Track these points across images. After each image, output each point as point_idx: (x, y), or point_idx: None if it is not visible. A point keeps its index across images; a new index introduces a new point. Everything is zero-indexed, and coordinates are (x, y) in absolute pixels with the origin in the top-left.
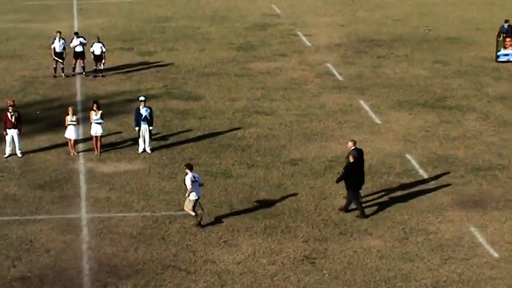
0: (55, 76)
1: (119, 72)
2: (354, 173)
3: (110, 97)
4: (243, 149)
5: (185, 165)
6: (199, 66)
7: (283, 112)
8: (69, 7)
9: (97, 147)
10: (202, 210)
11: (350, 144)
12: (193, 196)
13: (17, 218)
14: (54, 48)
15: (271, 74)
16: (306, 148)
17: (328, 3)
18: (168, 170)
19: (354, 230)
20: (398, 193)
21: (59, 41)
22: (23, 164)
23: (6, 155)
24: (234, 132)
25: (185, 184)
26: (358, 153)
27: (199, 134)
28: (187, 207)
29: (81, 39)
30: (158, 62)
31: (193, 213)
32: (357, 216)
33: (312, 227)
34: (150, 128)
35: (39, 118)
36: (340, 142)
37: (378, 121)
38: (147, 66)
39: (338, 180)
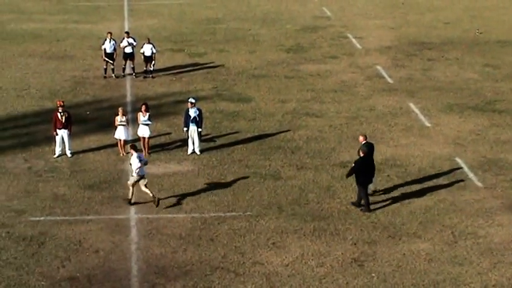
0: (105, 77)
1: (169, 74)
2: (363, 167)
3: (160, 98)
4: (292, 151)
5: (130, 146)
6: (249, 68)
7: (333, 114)
8: (120, 8)
9: (145, 148)
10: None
11: (361, 138)
12: (137, 173)
13: (67, 218)
14: (105, 49)
15: (321, 76)
16: (355, 150)
17: (379, 6)
18: (217, 172)
19: (402, 233)
20: (448, 196)
21: (110, 41)
22: (72, 165)
23: (56, 155)
24: (284, 134)
25: (131, 164)
26: (368, 148)
27: (248, 135)
28: (130, 181)
29: (132, 40)
30: (208, 63)
31: (131, 189)
32: (361, 210)
33: (361, 229)
34: (199, 129)
35: (89, 119)
36: (389, 145)
37: (427, 124)
38: (197, 67)
39: (348, 175)
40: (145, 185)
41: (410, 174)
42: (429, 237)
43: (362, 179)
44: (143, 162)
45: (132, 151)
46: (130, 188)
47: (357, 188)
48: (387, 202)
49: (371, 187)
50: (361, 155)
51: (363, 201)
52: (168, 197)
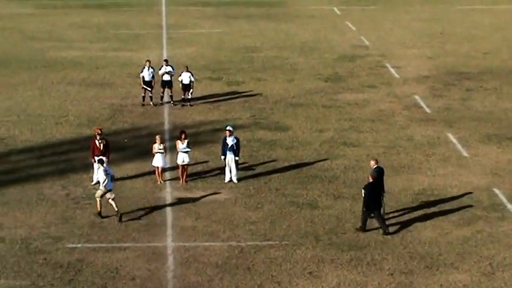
0: (143, 105)
1: (206, 102)
2: (373, 192)
3: (198, 126)
4: (329, 180)
5: (98, 160)
6: (287, 96)
7: (370, 144)
8: (159, 36)
9: (183, 176)
10: (117, 206)
11: (372, 163)
12: (104, 186)
13: (104, 245)
14: (143, 76)
15: (359, 105)
16: (392, 180)
17: (417, 36)
18: (254, 200)
19: (440, 263)
20: (486, 227)
21: (148, 69)
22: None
23: (93, 182)
24: (321, 163)
25: (98, 176)
26: (378, 173)
27: (286, 164)
28: (97, 194)
29: (170, 68)
30: (246, 92)
31: (98, 201)
32: (356, 229)
33: (398, 259)
34: (236, 158)
35: (127, 146)
36: (427, 175)
37: (465, 154)
38: (235, 96)
39: (364, 205)
40: (112, 199)
41: (448, 204)
42: (466, 268)
43: (370, 204)
44: (110, 177)
45: (100, 165)
46: (97, 200)
47: (362, 212)
48: (424, 232)
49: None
50: (370, 180)
51: (379, 227)
52: (205, 225)
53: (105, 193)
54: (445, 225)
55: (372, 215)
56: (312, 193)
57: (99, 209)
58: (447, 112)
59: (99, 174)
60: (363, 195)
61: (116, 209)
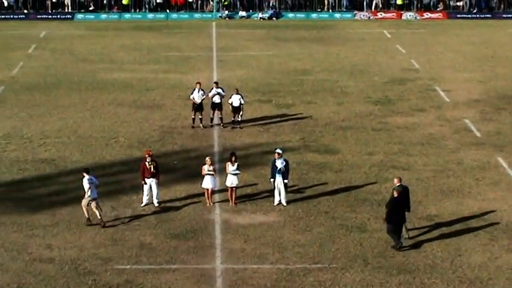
0: (193, 127)
1: (256, 124)
2: (397, 208)
3: (247, 149)
4: (379, 204)
5: (83, 170)
6: (336, 119)
7: (420, 167)
8: (209, 58)
9: (232, 198)
10: (101, 210)
11: (395, 180)
12: (89, 195)
13: (152, 267)
14: (193, 98)
15: (409, 128)
16: (442, 204)
17: (468, 59)
18: (303, 223)
19: None
20: None
21: (198, 91)
22: (159, 213)
23: (143, 204)
24: (370, 186)
25: (83, 185)
26: (403, 189)
27: (335, 187)
28: (83, 203)
29: (220, 90)
30: (296, 114)
31: (84, 210)
32: (392, 247)
33: (447, 284)
34: (285, 180)
35: (177, 168)
36: (477, 199)
37: None
38: (285, 118)
39: (386, 219)
40: (96, 207)
41: (498, 229)
42: None
43: (393, 217)
44: (94, 185)
45: (84, 174)
46: (83, 208)
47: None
48: (474, 257)
49: (404, 234)
50: (395, 195)
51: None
52: (254, 248)
53: (92, 201)
54: (494, 250)
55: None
56: (361, 216)
57: (87, 216)
58: (497, 136)
59: (83, 183)
60: (388, 212)
61: (100, 217)
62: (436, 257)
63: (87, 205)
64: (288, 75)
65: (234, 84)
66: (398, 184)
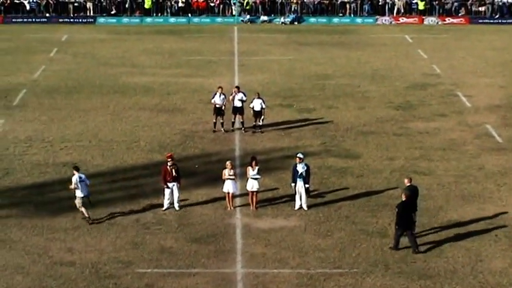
0: (214, 131)
1: (277, 129)
2: (405, 211)
3: (268, 153)
4: None
5: (73, 167)
6: (358, 124)
7: (441, 173)
8: (230, 63)
9: (253, 203)
10: (92, 205)
11: (406, 180)
12: (79, 193)
13: (173, 270)
14: (215, 102)
15: (430, 134)
16: (463, 210)
17: (489, 65)
18: (324, 228)
19: None
20: None
21: (220, 96)
22: (180, 217)
23: (164, 208)
24: (391, 191)
25: (71, 183)
26: (411, 191)
27: (356, 192)
28: (78, 204)
29: (242, 95)
30: (317, 119)
31: (82, 209)
32: (390, 248)
33: None
34: (307, 185)
35: (198, 172)
36: (498, 205)
37: None
38: (306, 123)
39: (396, 223)
40: (80, 206)
41: None
42: None
43: (403, 222)
44: (84, 184)
45: (75, 172)
46: (81, 209)
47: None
48: (495, 262)
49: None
50: (403, 198)
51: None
52: (275, 252)
53: (83, 198)
54: None
55: (405, 233)
56: (382, 221)
57: (86, 216)
58: None
59: (73, 181)
60: (396, 213)
61: (87, 215)
62: (456, 263)
63: (82, 204)
64: (309, 79)
65: (255, 89)
66: (408, 184)
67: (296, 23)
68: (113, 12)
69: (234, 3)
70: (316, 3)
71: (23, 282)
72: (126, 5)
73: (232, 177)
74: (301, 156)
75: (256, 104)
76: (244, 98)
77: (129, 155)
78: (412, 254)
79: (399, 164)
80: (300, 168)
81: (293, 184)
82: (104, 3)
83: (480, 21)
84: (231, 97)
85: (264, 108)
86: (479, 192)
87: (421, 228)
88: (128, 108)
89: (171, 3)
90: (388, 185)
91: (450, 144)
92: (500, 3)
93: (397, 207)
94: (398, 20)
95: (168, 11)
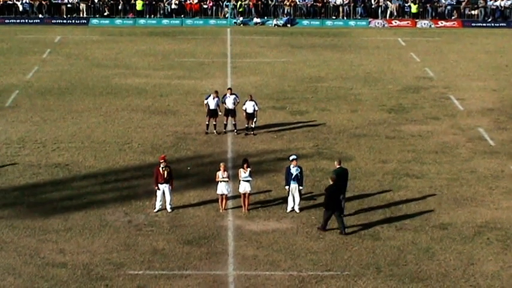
0: (207, 133)
1: (270, 131)
2: (333, 194)
3: (261, 155)
4: (391, 212)
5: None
6: (350, 127)
7: (433, 176)
8: (223, 65)
9: (245, 205)
10: None
11: (335, 163)
12: None
13: (165, 272)
14: (208, 105)
15: (423, 137)
16: (455, 213)
17: (482, 68)
18: (316, 230)
19: None
20: None
21: (213, 99)
22: (172, 219)
23: (156, 210)
24: (384, 194)
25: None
26: (338, 174)
27: (348, 195)
28: None
29: (235, 97)
30: (310, 121)
31: None
32: (318, 228)
33: None
34: (300, 187)
35: (190, 174)
36: (490, 208)
37: None
38: (299, 125)
39: (325, 205)
40: None
41: (511, 238)
42: None
43: (330, 204)
44: None
45: None
46: None
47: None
48: (487, 265)
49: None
50: (330, 182)
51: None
52: (267, 254)
53: None
54: (507, 259)
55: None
56: (374, 224)
57: None
58: (511, 145)
59: None
60: (326, 197)
61: None
62: (448, 266)
63: None
64: (302, 82)
65: (248, 91)
66: (338, 166)
67: (289, 25)
68: (106, 14)
69: (227, 6)
70: (309, 5)
71: (15, 283)
72: (119, 7)
73: (226, 179)
74: (295, 158)
75: (249, 106)
76: (237, 100)
77: (121, 157)
78: (339, 234)
79: (391, 167)
80: (294, 170)
81: (287, 186)
82: (97, 5)
83: (473, 24)
84: (223, 99)
85: (256, 111)
86: (472, 195)
87: (413, 232)
88: (120, 110)
89: (164, 4)
90: (380, 188)
91: (442, 147)
92: (493, 7)
93: (326, 191)
94: (391, 23)
95: (161, 12)
